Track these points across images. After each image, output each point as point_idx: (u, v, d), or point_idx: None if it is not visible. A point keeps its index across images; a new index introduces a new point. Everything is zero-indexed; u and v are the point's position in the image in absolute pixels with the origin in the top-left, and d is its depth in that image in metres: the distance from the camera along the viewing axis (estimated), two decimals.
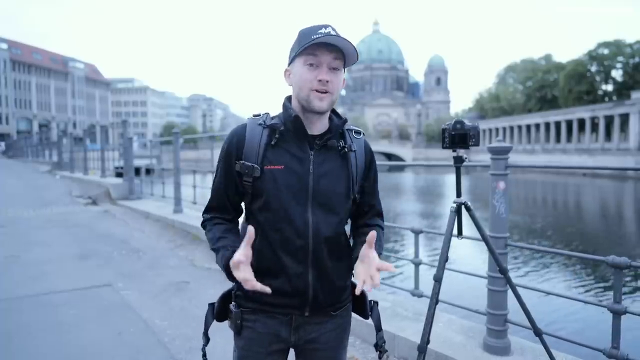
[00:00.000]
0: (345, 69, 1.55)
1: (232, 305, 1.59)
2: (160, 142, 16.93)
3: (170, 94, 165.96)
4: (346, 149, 1.58)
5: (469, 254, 10.81)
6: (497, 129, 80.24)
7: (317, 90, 1.46)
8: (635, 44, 67.48)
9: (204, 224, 1.64)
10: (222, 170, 1.57)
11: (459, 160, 2.54)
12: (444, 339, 3.38)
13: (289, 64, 1.55)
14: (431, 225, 16.64)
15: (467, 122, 2.48)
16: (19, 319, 4.25)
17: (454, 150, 2.52)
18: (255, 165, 1.48)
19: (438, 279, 2.49)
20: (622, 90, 68.33)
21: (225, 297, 1.62)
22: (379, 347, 1.65)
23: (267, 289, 1.35)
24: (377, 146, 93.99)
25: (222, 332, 1.79)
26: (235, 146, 1.52)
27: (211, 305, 1.63)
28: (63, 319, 4.27)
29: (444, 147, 2.53)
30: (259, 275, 1.44)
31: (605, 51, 70.18)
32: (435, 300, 2.45)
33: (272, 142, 1.51)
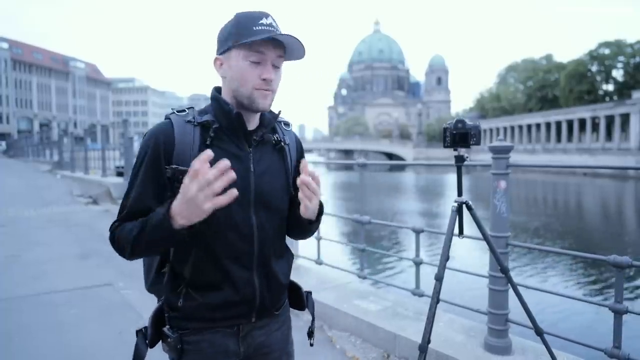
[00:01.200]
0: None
1: (166, 329, 1.38)
2: None
3: (171, 93, 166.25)
4: (281, 143, 1.49)
5: (470, 254, 10.81)
6: (497, 129, 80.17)
7: (260, 89, 1.35)
8: (636, 44, 67.39)
9: (113, 233, 1.36)
10: (146, 176, 1.32)
11: (460, 160, 2.54)
12: (445, 338, 3.38)
13: (222, 53, 1.38)
14: (432, 225, 16.63)
15: (468, 122, 2.47)
16: (19, 318, 4.26)
17: (455, 150, 2.52)
18: None
19: (439, 279, 2.49)
20: (623, 90, 68.23)
21: (157, 320, 1.41)
22: (312, 334, 1.60)
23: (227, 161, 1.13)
24: (378, 146, 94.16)
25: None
26: (162, 148, 1.31)
27: (140, 331, 1.41)
28: (63, 318, 4.27)
29: (445, 146, 2.52)
30: (200, 290, 1.35)
31: (606, 51, 70.09)
32: (436, 299, 2.45)
33: (207, 142, 1.34)
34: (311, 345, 1.60)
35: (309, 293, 1.63)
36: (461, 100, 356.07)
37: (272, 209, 1.44)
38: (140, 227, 1.26)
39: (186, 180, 1.13)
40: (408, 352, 3.42)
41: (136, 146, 15.22)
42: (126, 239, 1.29)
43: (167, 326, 1.39)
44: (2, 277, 5.59)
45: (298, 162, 1.52)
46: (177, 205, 1.17)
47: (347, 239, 11.61)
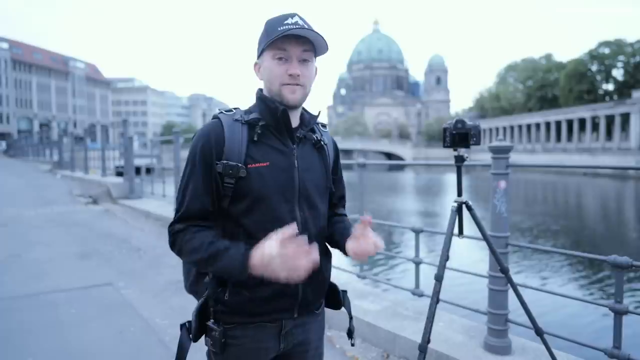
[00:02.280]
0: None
1: (211, 323, 1.43)
2: (161, 141, 16.94)
3: (171, 93, 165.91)
4: (321, 142, 1.56)
5: (470, 254, 10.80)
6: (497, 129, 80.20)
7: (287, 84, 1.41)
8: (636, 43, 67.41)
9: (176, 236, 1.42)
10: (201, 173, 1.40)
11: (460, 160, 2.54)
12: (444, 338, 3.38)
13: (258, 57, 1.48)
14: (432, 225, 16.63)
15: (468, 122, 2.47)
16: (19, 318, 4.26)
17: (455, 150, 2.52)
18: (240, 165, 1.37)
19: (439, 279, 2.49)
20: (623, 90, 68.28)
21: (201, 314, 1.45)
22: (352, 333, 1.64)
23: (315, 254, 1.23)
24: (377, 145, 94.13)
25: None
26: (214, 145, 1.39)
27: (184, 325, 1.47)
28: (64, 318, 4.27)
29: (445, 147, 2.52)
30: (245, 286, 1.39)
31: (606, 50, 70.12)
32: (436, 299, 2.45)
33: (254, 138, 1.41)
34: (352, 345, 1.64)
35: (345, 292, 1.66)
36: (460, 100, 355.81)
37: (314, 204, 1.50)
38: (209, 256, 1.34)
39: (273, 250, 1.22)
40: (408, 352, 3.42)
41: (136, 146, 15.26)
42: (190, 254, 1.39)
43: (212, 320, 1.44)
44: (2, 276, 5.59)
45: (335, 161, 1.64)
46: (256, 263, 1.26)
47: None
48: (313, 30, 1.38)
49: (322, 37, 1.40)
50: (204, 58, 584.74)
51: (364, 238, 1.40)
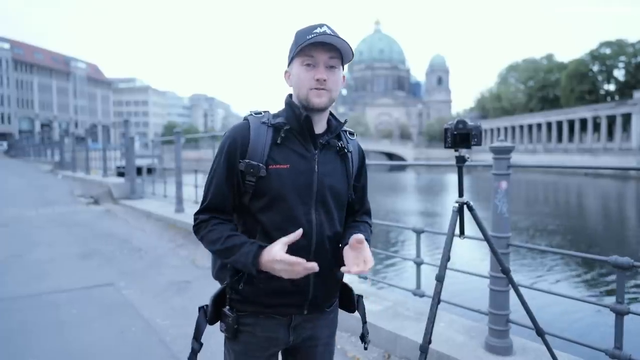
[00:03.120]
0: (345, 67, 1.57)
1: (226, 309, 1.55)
2: (162, 141, 16.97)
3: (172, 93, 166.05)
4: (345, 150, 1.61)
5: (471, 254, 10.80)
6: (498, 129, 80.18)
7: (315, 89, 1.48)
8: (638, 44, 67.34)
9: (199, 225, 1.55)
10: (225, 168, 1.51)
11: (461, 160, 2.54)
12: (445, 338, 3.37)
13: (288, 66, 1.56)
14: (433, 225, 16.62)
15: (470, 122, 2.47)
16: (21, 318, 4.26)
17: (456, 150, 2.52)
18: (261, 165, 1.46)
19: (440, 279, 2.49)
20: (625, 90, 68.22)
21: (218, 300, 1.57)
22: (365, 337, 1.74)
23: (315, 266, 1.36)
24: (378, 146, 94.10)
25: (213, 333, 1.72)
26: (239, 144, 1.49)
27: (202, 308, 1.59)
28: (65, 318, 4.28)
29: (446, 147, 2.52)
30: (258, 278, 1.48)
31: (608, 51, 70.06)
32: (437, 300, 2.45)
33: (278, 141, 1.49)
34: (365, 349, 1.75)
35: (360, 297, 1.74)
36: (462, 100, 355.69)
37: (331, 209, 1.56)
38: (225, 248, 1.46)
39: (277, 255, 1.37)
40: (409, 353, 3.42)
41: (137, 146, 15.26)
42: (209, 242, 1.51)
43: (227, 307, 1.55)
44: (3, 276, 5.60)
45: (359, 169, 1.69)
46: (264, 262, 1.40)
47: None
48: (339, 37, 1.45)
49: (348, 44, 1.47)
50: (205, 58, 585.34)
51: (358, 250, 1.46)
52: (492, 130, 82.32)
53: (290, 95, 1.59)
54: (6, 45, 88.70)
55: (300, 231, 1.39)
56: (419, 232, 4.17)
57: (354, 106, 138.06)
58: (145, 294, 4.94)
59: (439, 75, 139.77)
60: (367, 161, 1.80)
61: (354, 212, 1.72)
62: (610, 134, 62.00)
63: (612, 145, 59.25)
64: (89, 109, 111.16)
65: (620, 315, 2.66)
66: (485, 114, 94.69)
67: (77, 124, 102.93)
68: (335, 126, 1.60)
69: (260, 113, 1.56)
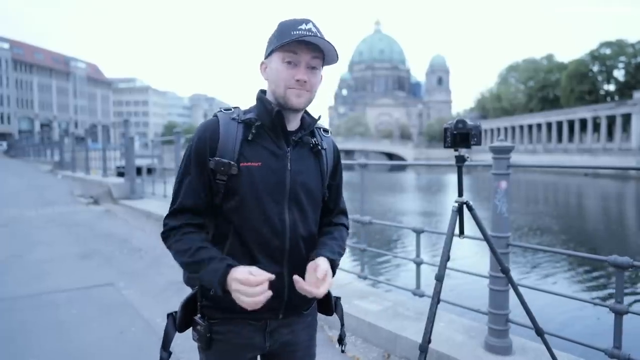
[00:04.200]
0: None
1: (197, 318, 1.47)
2: (162, 141, 16.93)
3: (172, 93, 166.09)
4: (319, 147, 1.55)
5: (471, 254, 10.80)
6: (498, 129, 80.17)
7: (293, 88, 1.42)
8: (637, 44, 67.32)
9: (169, 232, 1.45)
10: (195, 168, 1.43)
11: (461, 160, 2.54)
12: (445, 338, 3.38)
13: (266, 57, 1.49)
14: (433, 225, 16.62)
15: (469, 122, 2.47)
16: (20, 318, 4.26)
17: (456, 150, 2.52)
18: (232, 162, 1.39)
19: (439, 279, 2.49)
20: (624, 90, 68.18)
21: (188, 306, 1.49)
22: (343, 340, 1.64)
23: (272, 275, 1.31)
24: (378, 146, 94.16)
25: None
26: (208, 142, 1.42)
27: (171, 315, 1.51)
28: (65, 318, 4.28)
29: (446, 147, 2.52)
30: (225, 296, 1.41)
31: (608, 51, 70.05)
32: (436, 299, 2.45)
33: (249, 138, 1.43)
34: (342, 351, 1.65)
35: (338, 299, 1.65)
36: (462, 101, 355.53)
37: (305, 208, 1.50)
38: (194, 261, 1.38)
39: (240, 285, 1.29)
40: (409, 352, 3.42)
41: (137, 146, 15.27)
42: (177, 253, 1.43)
43: (199, 315, 1.47)
44: (3, 276, 5.60)
45: (334, 167, 1.61)
46: (231, 286, 1.31)
47: (347, 239, 11.54)
48: (326, 40, 1.40)
49: (334, 48, 1.42)
50: (205, 58, 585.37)
51: (318, 269, 1.40)
52: (492, 130, 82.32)
53: (262, 91, 1.53)
54: (6, 45, 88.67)
55: (272, 276, 1.31)
56: (418, 232, 4.17)
57: (354, 106, 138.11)
58: (145, 294, 4.94)
59: (439, 75, 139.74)
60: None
61: (329, 211, 1.66)
62: (610, 134, 61.98)
63: (612, 145, 59.23)
64: (88, 109, 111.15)
65: (619, 314, 2.66)
66: (486, 114, 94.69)
67: (77, 124, 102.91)
68: (308, 123, 1.54)
69: (230, 109, 1.50)
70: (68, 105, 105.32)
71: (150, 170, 13.86)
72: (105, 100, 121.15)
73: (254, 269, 1.32)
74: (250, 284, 1.28)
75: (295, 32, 1.38)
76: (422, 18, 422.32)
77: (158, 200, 11.52)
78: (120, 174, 14.95)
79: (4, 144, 58.08)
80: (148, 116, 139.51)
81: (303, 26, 1.40)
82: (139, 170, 12.93)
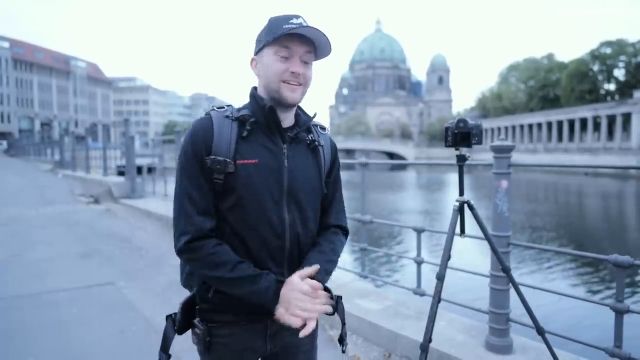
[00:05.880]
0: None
1: (196, 321, 1.44)
2: (162, 140, 16.92)
3: (172, 92, 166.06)
4: (316, 143, 1.53)
5: (472, 253, 10.79)
6: (499, 128, 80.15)
7: (288, 82, 1.40)
8: (638, 43, 67.23)
9: (195, 244, 1.36)
10: (197, 169, 1.38)
11: (461, 159, 2.54)
12: (446, 337, 3.38)
13: (257, 53, 1.46)
14: (433, 224, 16.62)
15: (470, 121, 2.47)
16: (21, 317, 4.26)
17: (456, 149, 2.52)
18: (228, 160, 1.36)
19: (440, 278, 2.49)
20: (625, 90, 68.12)
21: (187, 308, 1.46)
22: (343, 339, 1.61)
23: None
24: (379, 145, 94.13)
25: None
26: (202, 140, 1.38)
27: (170, 317, 1.48)
28: (65, 317, 4.28)
29: (446, 146, 2.52)
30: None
31: (608, 50, 69.98)
32: (437, 298, 2.45)
33: (244, 135, 1.40)
34: (343, 352, 1.61)
35: (339, 297, 1.60)
36: (463, 100, 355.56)
37: (303, 206, 1.47)
38: (238, 277, 1.35)
39: (296, 294, 1.34)
40: (409, 351, 3.42)
41: (137, 145, 15.27)
42: (211, 266, 1.36)
43: (198, 318, 1.45)
44: (3, 276, 5.60)
45: (332, 164, 1.59)
46: (289, 299, 1.34)
47: (348, 240, 11.52)
48: (319, 30, 1.37)
49: (328, 40, 1.40)
50: (206, 57, 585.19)
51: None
52: (492, 129, 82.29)
53: (255, 88, 1.51)
54: (6, 44, 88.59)
55: (316, 267, 1.38)
56: (419, 231, 4.17)
57: (354, 105, 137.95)
58: (145, 293, 4.94)
59: (440, 74, 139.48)
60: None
61: (326, 209, 1.61)
62: (611, 134, 61.94)
63: (612, 144, 59.21)
64: (89, 108, 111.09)
65: (619, 313, 2.66)
66: (486, 114, 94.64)
67: (77, 123, 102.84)
68: (304, 120, 1.51)
69: (223, 107, 1.47)
70: (68, 105, 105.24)
71: (150, 170, 13.85)
72: (106, 99, 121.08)
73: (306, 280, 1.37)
74: (315, 295, 1.35)
75: (287, 26, 1.36)
76: (423, 17, 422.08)
77: (158, 199, 11.52)
78: (121, 173, 14.94)
79: (4, 143, 58.10)
80: (148, 115, 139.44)
81: (294, 20, 1.38)
82: (139, 170, 12.94)
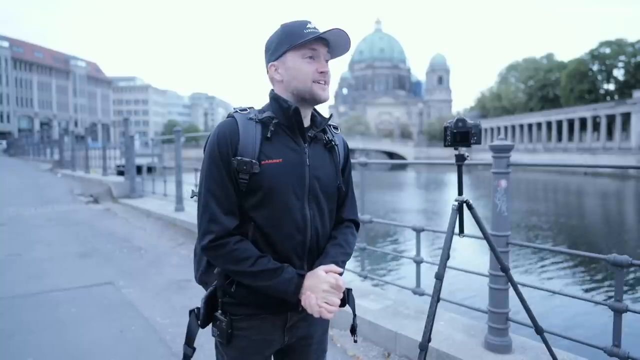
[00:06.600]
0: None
1: (218, 314, 1.50)
2: (162, 140, 16.96)
3: (172, 92, 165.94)
4: (332, 142, 1.61)
5: (471, 252, 10.81)
6: (498, 128, 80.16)
7: (318, 82, 1.49)
8: (637, 43, 67.25)
9: (219, 242, 1.42)
10: (222, 169, 1.43)
11: (461, 159, 2.54)
12: (445, 337, 3.38)
13: (277, 59, 1.51)
14: (433, 224, 16.63)
15: (469, 121, 2.47)
16: (20, 317, 4.26)
17: (455, 149, 2.52)
18: (254, 161, 1.41)
19: (439, 277, 2.49)
20: (624, 90, 68.14)
21: (209, 302, 1.51)
22: (355, 329, 1.69)
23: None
24: (379, 145, 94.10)
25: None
26: (229, 141, 1.43)
27: (193, 311, 1.54)
28: (64, 317, 4.28)
29: (446, 145, 2.52)
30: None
31: (607, 50, 69.96)
32: (436, 298, 2.45)
33: (268, 136, 1.47)
34: (355, 342, 1.74)
35: (350, 290, 1.67)
36: (462, 100, 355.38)
37: (323, 202, 1.55)
38: (259, 270, 1.41)
39: (324, 286, 1.43)
40: (409, 351, 3.43)
41: (137, 145, 15.25)
42: (235, 261, 1.42)
43: (220, 311, 1.50)
44: (2, 275, 5.60)
45: (345, 162, 1.69)
46: (305, 292, 1.43)
47: None
48: (342, 30, 1.46)
49: (348, 37, 1.49)
50: (205, 57, 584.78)
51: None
52: (492, 129, 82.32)
53: (273, 90, 1.56)
54: (5, 44, 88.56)
55: (340, 269, 1.48)
56: (418, 231, 4.17)
57: (354, 105, 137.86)
58: (145, 292, 4.94)
59: (440, 74, 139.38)
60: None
61: (341, 205, 1.68)
62: (610, 134, 61.94)
63: (612, 144, 59.21)
64: (88, 107, 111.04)
65: (618, 313, 2.66)
66: (486, 113, 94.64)
67: (77, 122, 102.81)
68: (320, 121, 1.60)
69: (245, 109, 1.53)
70: (68, 104, 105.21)
71: (150, 169, 13.86)
72: (105, 98, 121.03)
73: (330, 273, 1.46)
74: (340, 288, 1.44)
75: (307, 31, 1.46)
76: (423, 17, 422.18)
77: (158, 199, 11.52)
78: (120, 173, 14.96)
79: (4, 143, 58.03)
80: (148, 115, 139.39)
81: (310, 25, 1.48)
82: (139, 169, 12.94)
